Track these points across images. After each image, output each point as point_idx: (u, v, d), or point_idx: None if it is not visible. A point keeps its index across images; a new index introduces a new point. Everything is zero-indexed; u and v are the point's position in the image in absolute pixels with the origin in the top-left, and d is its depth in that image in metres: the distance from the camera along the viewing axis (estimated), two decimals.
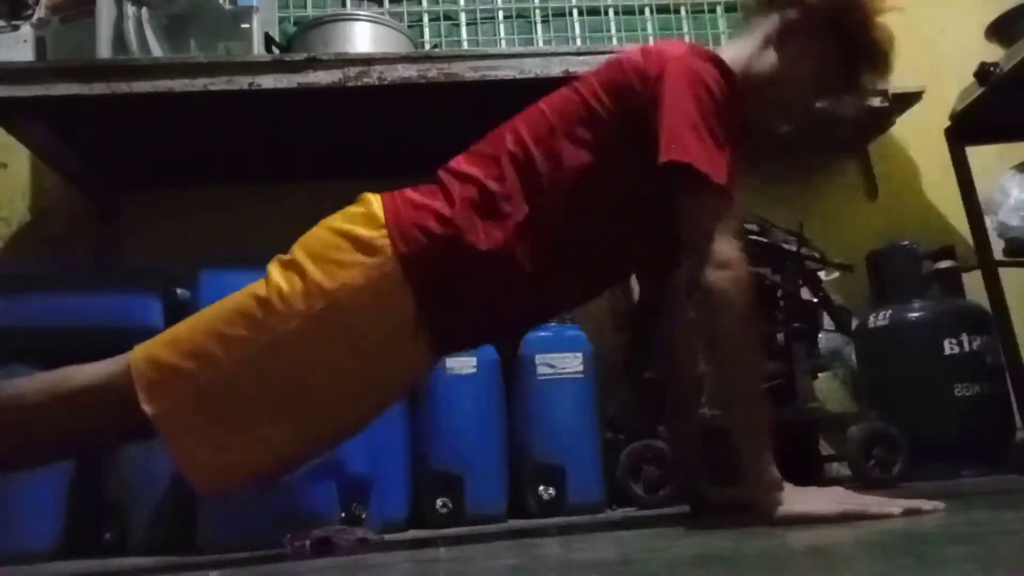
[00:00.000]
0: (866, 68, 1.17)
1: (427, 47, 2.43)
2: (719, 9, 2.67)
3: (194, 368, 1.04)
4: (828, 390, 2.20)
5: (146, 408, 1.01)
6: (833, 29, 1.15)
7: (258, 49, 1.85)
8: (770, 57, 1.16)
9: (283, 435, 1.07)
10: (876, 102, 2.16)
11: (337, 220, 1.14)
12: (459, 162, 1.17)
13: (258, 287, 1.08)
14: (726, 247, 1.03)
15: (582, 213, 1.10)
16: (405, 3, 2.55)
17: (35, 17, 1.90)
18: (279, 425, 1.06)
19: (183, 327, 1.10)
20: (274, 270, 1.10)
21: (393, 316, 1.07)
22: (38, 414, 1.05)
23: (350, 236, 1.09)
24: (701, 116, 1.03)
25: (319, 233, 1.13)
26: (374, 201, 1.13)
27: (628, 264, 1.27)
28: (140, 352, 1.06)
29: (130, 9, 1.80)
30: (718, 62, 1.11)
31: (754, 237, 1.75)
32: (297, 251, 1.11)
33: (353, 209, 1.15)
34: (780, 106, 1.20)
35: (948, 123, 2.08)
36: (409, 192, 1.14)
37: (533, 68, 1.73)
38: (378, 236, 1.08)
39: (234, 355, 1.04)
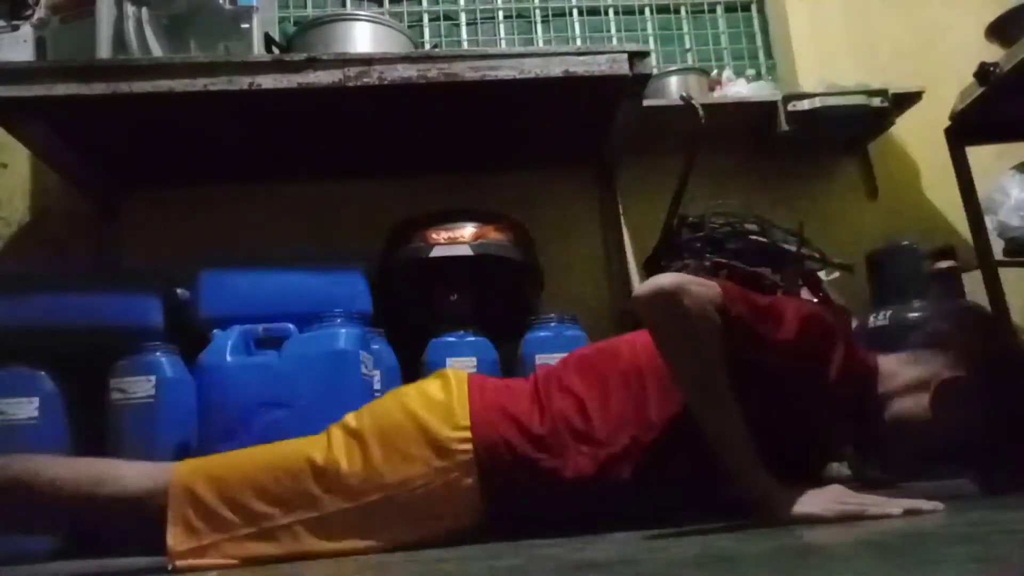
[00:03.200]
0: (1007, 442, 1.06)
1: (427, 47, 2.43)
2: (719, 9, 2.67)
3: (233, 520, 1.02)
4: None
5: (170, 542, 1.00)
6: (994, 403, 1.04)
7: (258, 49, 1.85)
8: (920, 400, 1.06)
9: None
10: (876, 102, 2.17)
11: (415, 402, 1.09)
12: (566, 367, 1.12)
13: (316, 449, 1.05)
14: (676, 276, 0.99)
15: (681, 444, 1.03)
16: (405, 3, 2.55)
17: (35, 17, 1.90)
18: None
19: (229, 465, 1.07)
20: (336, 436, 1.07)
21: (452, 520, 1.04)
22: (66, 505, 1.03)
23: (425, 430, 1.05)
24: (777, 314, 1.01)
25: (393, 411, 1.09)
26: (456, 389, 1.09)
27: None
28: (180, 477, 1.04)
29: (130, 9, 1.80)
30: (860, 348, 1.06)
31: (754, 237, 1.75)
32: (365, 422, 1.07)
33: (433, 391, 1.10)
34: (908, 442, 1.09)
35: (948, 123, 2.08)
36: (498, 389, 1.10)
37: (533, 68, 1.72)
38: (456, 439, 1.04)
39: (273, 518, 1.02)
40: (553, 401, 1.07)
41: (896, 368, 1.11)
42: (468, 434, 1.04)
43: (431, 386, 1.12)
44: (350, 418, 1.09)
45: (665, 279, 0.97)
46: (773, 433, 1.00)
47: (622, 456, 1.04)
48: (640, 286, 0.99)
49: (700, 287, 0.97)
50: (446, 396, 1.09)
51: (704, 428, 0.98)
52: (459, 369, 1.18)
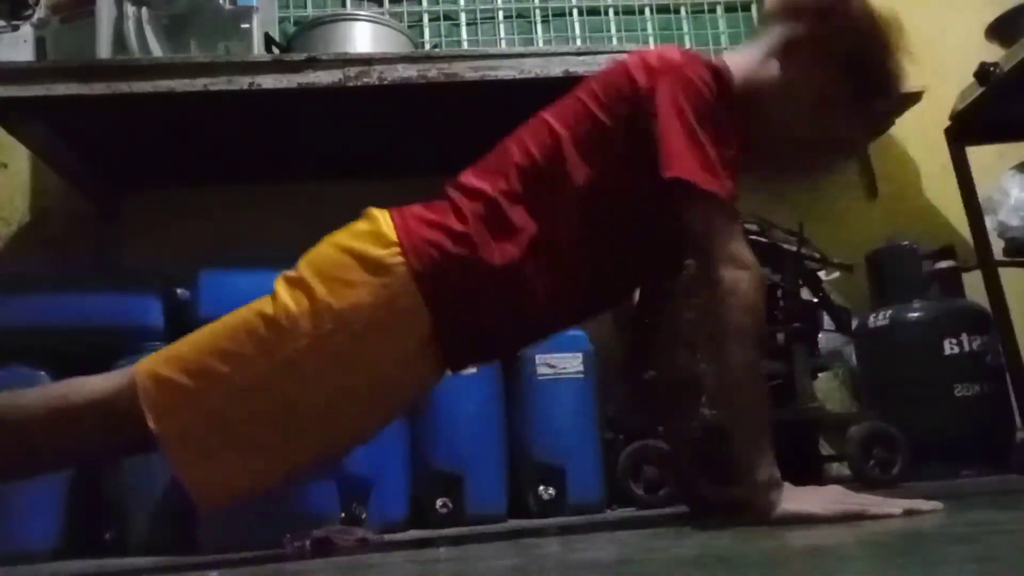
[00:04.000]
0: (871, 94, 1.13)
1: (427, 47, 2.43)
2: (719, 9, 2.67)
3: (199, 387, 1.03)
4: (828, 390, 2.20)
5: (153, 427, 1.01)
6: (841, 49, 1.11)
7: (258, 49, 1.85)
8: (772, 68, 1.13)
9: (289, 452, 1.06)
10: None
11: (344, 237, 1.12)
12: (467, 176, 1.16)
13: (264, 304, 1.07)
14: (742, 248, 1.03)
15: (590, 225, 1.09)
16: (405, 3, 2.55)
17: (35, 17, 1.90)
18: (286, 443, 1.05)
19: (186, 344, 1.09)
20: (280, 288, 1.09)
21: (405, 335, 1.06)
22: (40, 427, 1.04)
23: (359, 255, 1.08)
24: (698, 124, 1.03)
25: (326, 251, 1.12)
26: (381, 218, 1.12)
27: (636, 275, 1.25)
28: (144, 368, 1.05)
29: (130, 9, 1.80)
30: (711, 66, 1.10)
31: (754, 237, 1.75)
32: (304, 269, 1.10)
33: (360, 226, 1.13)
34: (778, 119, 1.16)
35: (948, 123, 2.08)
36: (418, 209, 1.13)
37: (533, 68, 1.72)
38: (388, 255, 1.07)
39: (240, 374, 1.03)
40: (465, 204, 1.10)
41: (739, 58, 1.16)
42: (397, 247, 1.07)
43: (356, 223, 1.15)
44: (288, 271, 1.11)
45: (749, 256, 1.02)
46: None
47: (538, 238, 1.07)
48: (740, 275, 1.01)
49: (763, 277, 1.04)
50: (371, 224, 1.12)
51: (732, 414, 1.01)
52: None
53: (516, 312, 1.10)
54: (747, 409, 1.00)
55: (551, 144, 1.11)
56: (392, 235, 1.08)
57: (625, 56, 1.15)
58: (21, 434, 1.05)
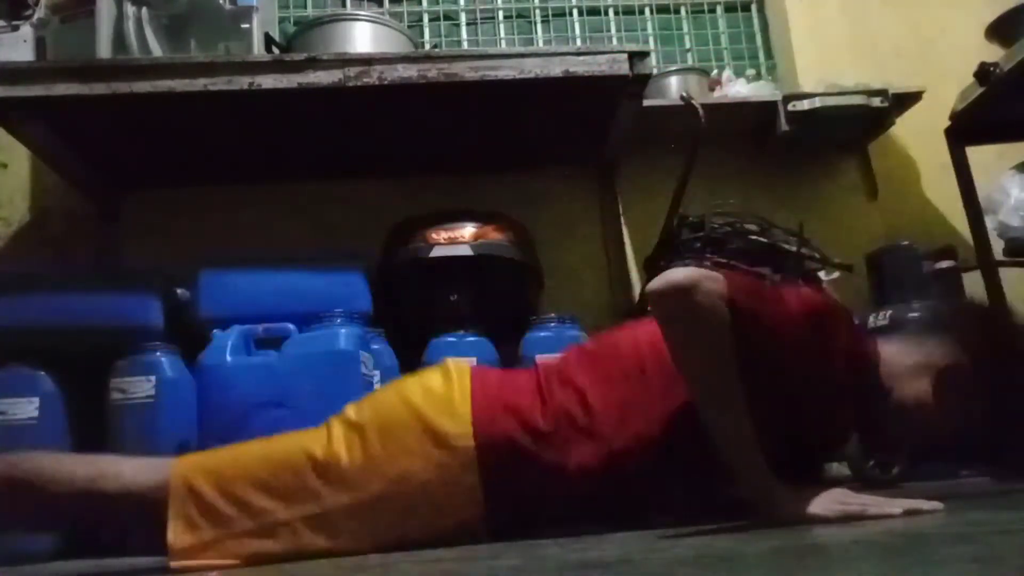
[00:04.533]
0: (1007, 429, 1.07)
1: (427, 47, 2.43)
2: (719, 9, 2.67)
3: (233, 514, 1.01)
4: None
5: (171, 539, 0.99)
6: (999, 388, 1.05)
7: (258, 49, 1.85)
8: (923, 386, 1.07)
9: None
10: (876, 102, 2.17)
11: (416, 394, 1.08)
12: (568, 360, 1.11)
13: (316, 443, 1.04)
14: (688, 271, 0.97)
15: (684, 438, 1.02)
16: (405, 3, 2.55)
17: (35, 17, 1.90)
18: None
19: (229, 461, 1.06)
20: (336, 429, 1.05)
21: (453, 513, 1.03)
22: (65, 503, 1.03)
23: (427, 423, 1.03)
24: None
25: (394, 403, 1.07)
26: (458, 382, 1.07)
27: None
28: (181, 474, 1.03)
29: (130, 9, 1.80)
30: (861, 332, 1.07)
31: (754, 237, 1.75)
32: (366, 414, 1.06)
33: (434, 382, 1.09)
34: (914, 433, 1.10)
35: (948, 123, 2.08)
36: (501, 382, 1.09)
37: (533, 68, 1.72)
38: (458, 435, 1.02)
39: (274, 513, 1.01)
40: (555, 395, 1.06)
41: (898, 354, 1.11)
42: (469, 428, 1.03)
43: (432, 378, 1.11)
44: (350, 410, 1.08)
45: (678, 274, 0.96)
46: (778, 427, 1.00)
47: (625, 450, 1.03)
48: (655, 280, 0.97)
49: (712, 282, 0.96)
50: (447, 388, 1.07)
51: (710, 426, 0.97)
52: (461, 360, 1.15)
53: (573, 506, 1.06)
54: (722, 420, 0.97)
55: (668, 366, 1.02)
56: (466, 411, 1.04)
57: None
58: (45, 505, 1.04)
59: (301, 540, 1.01)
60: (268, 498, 1.02)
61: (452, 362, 1.13)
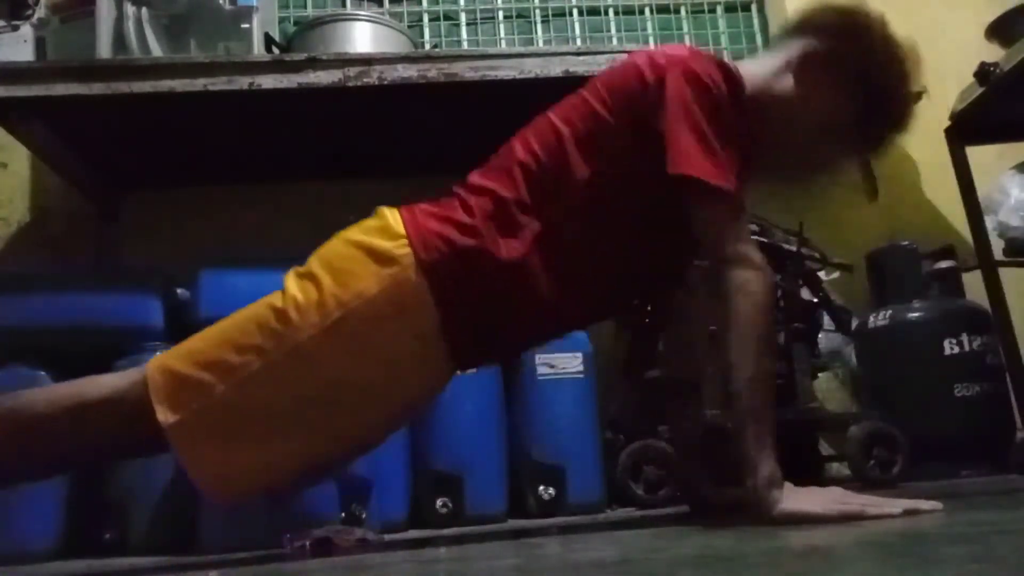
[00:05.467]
0: (880, 120, 1.13)
1: (427, 47, 2.43)
2: (719, 9, 2.67)
3: (210, 379, 1.03)
4: (828, 390, 2.20)
5: (162, 419, 1.01)
6: (856, 70, 1.11)
7: (258, 49, 1.85)
8: (786, 81, 1.13)
9: (300, 446, 1.06)
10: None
11: (354, 232, 1.14)
12: (473, 176, 1.16)
13: (274, 298, 1.08)
14: (745, 247, 1.04)
15: (595, 223, 1.09)
16: (405, 3, 2.55)
17: (35, 17, 1.90)
18: (295, 436, 1.05)
19: (198, 338, 1.09)
20: (290, 281, 1.09)
21: (412, 324, 1.06)
22: (51, 428, 1.04)
23: (367, 247, 1.09)
24: (706, 121, 1.03)
25: (335, 245, 1.13)
26: (390, 214, 1.13)
27: (644, 277, 1.24)
28: (155, 364, 1.06)
29: (130, 9, 1.80)
30: (722, 64, 1.10)
31: (754, 237, 1.75)
32: (313, 262, 1.11)
33: (370, 222, 1.15)
34: (785, 130, 1.16)
35: (948, 123, 2.08)
36: (426, 205, 1.14)
37: (533, 68, 1.72)
38: (396, 247, 1.08)
39: (250, 365, 1.03)
40: (471, 200, 1.12)
41: (755, 67, 1.16)
42: (404, 239, 1.08)
43: (366, 220, 1.16)
44: (297, 267, 1.13)
45: (755, 255, 1.03)
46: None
47: (543, 235, 1.08)
48: (749, 276, 1.01)
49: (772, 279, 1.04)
50: (380, 220, 1.13)
51: (740, 403, 1.00)
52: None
53: (522, 309, 1.10)
54: (755, 408, 0.99)
55: (555, 142, 1.11)
56: (400, 228, 1.09)
57: (633, 54, 1.15)
58: (34, 433, 1.05)
59: (283, 388, 1.04)
60: (239, 353, 1.04)
61: (383, 207, 1.18)
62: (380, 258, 1.07)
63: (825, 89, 1.11)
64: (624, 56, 1.20)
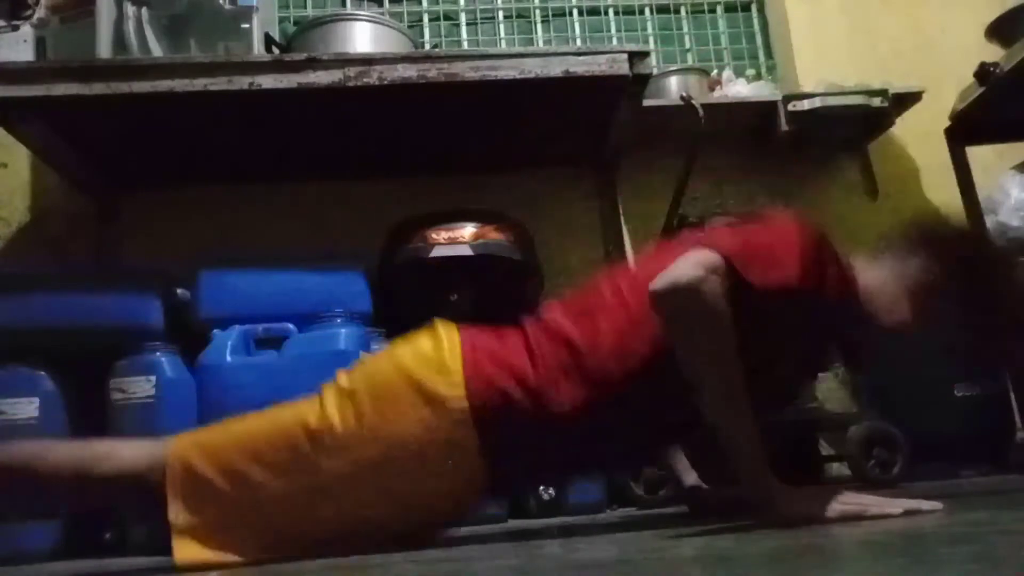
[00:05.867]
0: (989, 332, 1.12)
1: (427, 47, 2.43)
2: (719, 9, 2.67)
3: (228, 489, 1.01)
4: (828, 390, 2.20)
5: (172, 517, 0.99)
6: (976, 298, 1.08)
7: (258, 49, 1.85)
8: (903, 310, 1.08)
9: (297, 542, 1.02)
10: (876, 102, 2.17)
11: (407, 356, 1.08)
12: (553, 312, 1.11)
13: (310, 412, 1.04)
14: (690, 268, 0.96)
15: (668, 373, 1.01)
16: (405, 3, 2.55)
17: (35, 17, 1.90)
18: (295, 543, 1.02)
19: (222, 436, 1.06)
20: (329, 397, 1.05)
21: (453, 472, 1.02)
22: (64, 486, 1.03)
23: (418, 384, 1.03)
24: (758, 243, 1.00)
25: (385, 368, 1.07)
26: (447, 342, 1.07)
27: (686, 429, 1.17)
28: (177, 452, 1.03)
29: (130, 9, 1.80)
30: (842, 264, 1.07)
31: None
32: (358, 380, 1.06)
33: (424, 346, 1.09)
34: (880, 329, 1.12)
35: (948, 123, 2.08)
36: (489, 340, 1.09)
37: (533, 68, 1.72)
38: (450, 392, 1.02)
39: (273, 486, 1.00)
40: (543, 346, 1.07)
41: (875, 279, 1.12)
42: (462, 386, 1.02)
43: (422, 340, 1.11)
44: (342, 377, 1.07)
45: (681, 273, 0.95)
46: (768, 360, 1.01)
47: (611, 385, 1.03)
48: (658, 278, 0.97)
49: (714, 277, 0.95)
50: (437, 349, 1.07)
51: (716, 424, 0.98)
52: (448, 322, 1.15)
53: (573, 454, 1.07)
54: (729, 420, 0.97)
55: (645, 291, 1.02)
56: (458, 369, 1.04)
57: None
58: (43, 488, 1.04)
59: (301, 512, 1.01)
60: (264, 470, 1.01)
61: (440, 323, 1.13)
62: (431, 402, 1.02)
63: (940, 317, 1.08)
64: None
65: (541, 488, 1.66)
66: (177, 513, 1.00)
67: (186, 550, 1.00)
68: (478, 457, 1.02)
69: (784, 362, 1.08)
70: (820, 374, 1.35)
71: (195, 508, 1.01)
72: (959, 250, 1.13)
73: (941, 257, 1.09)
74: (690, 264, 0.96)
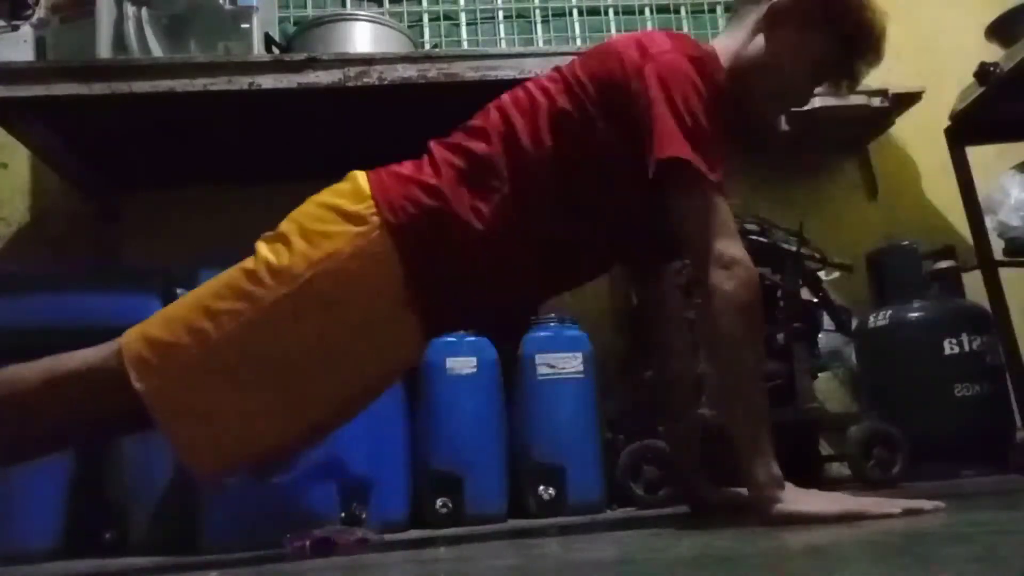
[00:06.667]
0: (857, 55, 1.16)
1: (427, 47, 2.43)
2: (719, 9, 2.67)
3: (184, 342, 1.04)
4: (828, 390, 2.20)
5: (137, 386, 1.01)
6: (823, 16, 1.13)
7: (258, 49, 1.85)
8: (759, 44, 1.15)
9: (274, 410, 1.06)
10: (876, 102, 2.17)
11: (323, 195, 1.16)
12: (448, 135, 1.19)
13: (247, 262, 1.10)
14: (730, 246, 1.03)
15: (566, 196, 1.11)
16: (405, 3, 2.55)
17: (35, 17, 1.90)
18: (269, 398, 1.05)
19: (174, 305, 1.12)
20: (262, 245, 1.12)
21: (380, 285, 1.08)
22: (32, 399, 1.05)
23: (336, 208, 1.11)
24: (689, 112, 1.03)
25: (305, 208, 1.15)
26: (360, 176, 1.15)
27: (614, 255, 1.28)
28: (132, 332, 1.07)
29: (130, 9, 1.80)
30: (701, 58, 1.10)
31: (754, 237, 1.75)
32: (284, 225, 1.13)
33: (339, 185, 1.17)
34: (772, 94, 1.19)
35: (948, 123, 2.08)
36: (394, 166, 1.16)
37: (533, 68, 1.72)
38: (364, 208, 1.10)
39: (223, 327, 1.04)
40: (441, 156, 1.13)
41: (727, 41, 1.19)
42: (371, 199, 1.10)
43: (336, 184, 1.18)
44: (268, 232, 1.15)
45: (743, 262, 1.02)
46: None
47: (512, 200, 1.09)
48: (712, 300, 1.02)
49: (750, 276, 1.03)
50: (350, 182, 1.15)
51: (732, 406, 1.01)
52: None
53: (486, 272, 1.11)
54: (746, 411, 1.00)
55: (529, 111, 1.12)
56: (367, 190, 1.11)
57: (614, 41, 1.15)
58: (13, 406, 1.05)
59: (254, 348, 1.04)
60: (213, 317, 1.05)
61: (354, 170, 1.19)
62: (350, 218, 1.09)
63: (797, 40, 1.14)
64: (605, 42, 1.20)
65: (540, 488, 1.66)
66: (139, 379, 1.01)
67: (164, 412, 1.02)
68: (398, 266, 1.07)
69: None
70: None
71: (155, 369, 1.02)
72: None
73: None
74: (728, 240, 1.03)
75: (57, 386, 1.05)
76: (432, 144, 1.17)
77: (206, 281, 1.12)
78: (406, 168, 1.15)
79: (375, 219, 1.08)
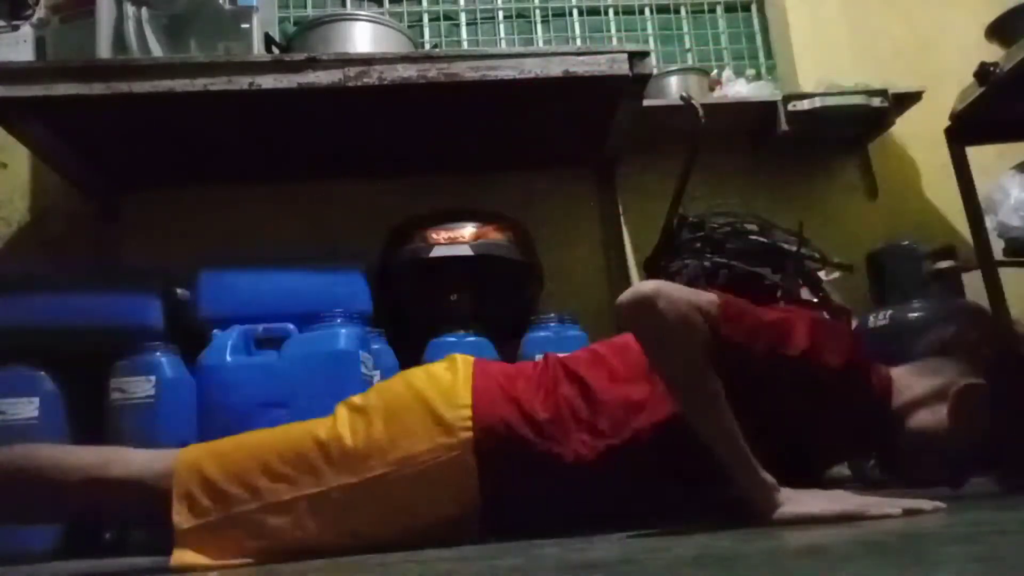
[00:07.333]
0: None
1: (427, 47, 2.43)
2: (719, 9, 2.67)
3: (235, 494, 1.02)
4: None
5: (175, 519, 1.00)
6: (1013, 410, 1.04)
7: (258, 49, 1.86)
8: (938, 412, 1.06)
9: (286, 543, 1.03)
10: (876, 102, 2.17)
11: (420, 379, 1.10)
12: (578, 360, 1.12)
13: (321, 427, 1.06)
14: (647, 283, 0.98)
15: (684, 442, 1.00)
16: (405, 3, 2.55)
17: (35, 17, 1.90)
18: (288, 543, 1.02)
19: (234, 444, 1.07)
20: (341, 413, 1.07)
21: (451, 499, 1.03)
22: (70, 491, 1.03)
23: (428, 405, 1.05)
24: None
25: (399, 389, 1.10)
26: (462, 368, 1.09)
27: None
28: (188, 458, 1.04)
29: (130, 9, 1.80)
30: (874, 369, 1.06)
31: (754, 237, 1.75)
32: (372, 399, 1.08)
33: (439, 372, 1.11)
34: (914, 442, 1.08)
35: (948, 123, 2.08)
36: (504, 372, 1.10)
37: (533, 68, 1.72)
38: (458, 418, 1.04)
39: (279, 495, 1.02)
40: (559, 387, 1.07)
41: (909, 380, 1.11)
42: (469, 412, 1.04)
43: (438, 367, 1.13)
44: (356, 397, 1.10)
45: (645, 285, 0.98)
46: (779, 445, 1.00)
47: (623, 447, 1.04)
48: (623, 294, 0.98)
49: (680, 292, 0.97)
50: (451, 376, 1.09)
51: (697, 429, 0.97)
52: (468, 355, 1.17)
53: (567, 500, 1.06)
54: (712, 430, 0.97)
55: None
56: (467, 395, 1.06)
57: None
58: (56, 493, 1.04)
59: (303, 522, 1.01)
60: (272, 480, 1.02)
61: (459, 355, 1.15)
62: (439, 425, 1.04)
63: (979, 424, 1.04)
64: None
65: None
66: (181, 515, 1.00)
67: (185, 554, 1.00)
68: (476, 485, 1.02)
69: (800, 443, 1.07)
70: (842, 461, 1.35)
71: (200, 511, 1.01)
72: (993, 347, 1.13)
73: (976, 355, 1.09)
74: (653, 282, 0.98)
75: (97, 487, 1.02)
76: (553, 359, 1.11)
77: (276, 428, 1.09)
78: (515, 383, 1.08)
79: (466, 435, 1.02)
